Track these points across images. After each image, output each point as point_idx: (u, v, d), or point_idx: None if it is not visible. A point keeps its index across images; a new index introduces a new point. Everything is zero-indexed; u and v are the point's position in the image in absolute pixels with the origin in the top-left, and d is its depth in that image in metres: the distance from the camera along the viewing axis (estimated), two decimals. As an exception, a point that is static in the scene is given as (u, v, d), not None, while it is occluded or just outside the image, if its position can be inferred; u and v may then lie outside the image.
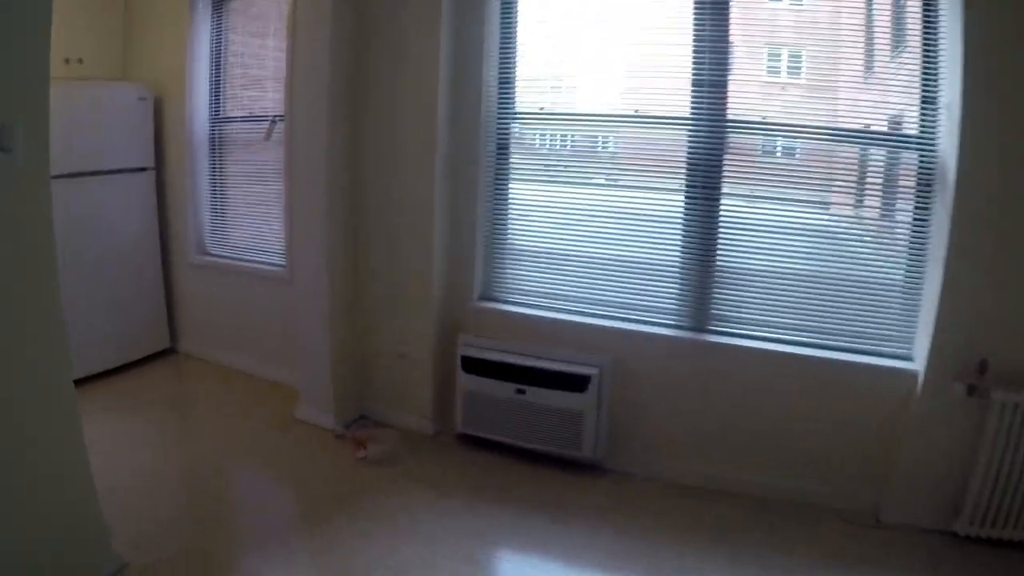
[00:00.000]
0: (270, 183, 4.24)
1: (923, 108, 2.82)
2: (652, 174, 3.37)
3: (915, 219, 2.91)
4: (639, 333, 3.25)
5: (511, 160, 3.50)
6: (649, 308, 3.31)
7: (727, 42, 3.07)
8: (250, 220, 4.44)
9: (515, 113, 3.48)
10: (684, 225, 3.21)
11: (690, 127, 3.14)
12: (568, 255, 3.45)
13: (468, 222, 3.52)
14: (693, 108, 3.13)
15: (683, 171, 3.18)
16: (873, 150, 3.07)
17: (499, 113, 3.47)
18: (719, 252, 3.17)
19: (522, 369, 3.27)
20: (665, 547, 2.76)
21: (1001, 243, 2.63)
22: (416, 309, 3.56)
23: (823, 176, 3.17)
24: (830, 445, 3.01)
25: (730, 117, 3.09)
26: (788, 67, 3.14)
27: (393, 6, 3.40)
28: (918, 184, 2.87)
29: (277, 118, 4.08)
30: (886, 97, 2.95)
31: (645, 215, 3.31)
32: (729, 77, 3.08)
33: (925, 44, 2.78)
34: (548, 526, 2.90)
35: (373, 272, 3.67)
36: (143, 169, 4.40)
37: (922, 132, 2.84)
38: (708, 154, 3.12)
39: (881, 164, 3.11)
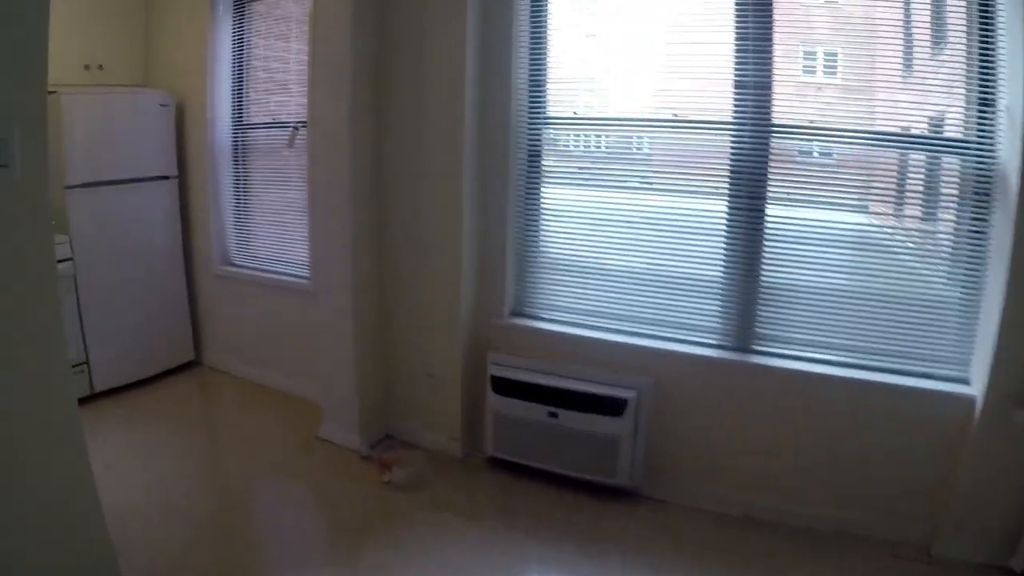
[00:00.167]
0: (295, 191, 4.12)
1: (980, 110, 2.59)
2: (692, 182, 3.16)
3: (971, 230, 2.68)
4: (678, 353, 3.07)
5: (543, 166, 3.33)
6: (689, 326, 3.13)
7: (771, 40, 2.85)
8: (275, 230, 4.32)
9: (546, 117, 3.30)
10: (727, 237, 3.01)
11: (733, 131, 2.94)
12: (604, 268, 3.27)
13: (498, 233, 3.36)
14: (736, 111, 2.92)
15: (726, 179, 2.98)
16: (925, 156, 2.85)
17: (530, 117, 3.29)
18: (764, 265, 2.97)
19: (555, 391, 3.11)
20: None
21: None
22: (444, 325, 3.42)
23: (873, 184, 2.96)
24: (880, 474, 2.82)
25: (775, 121, 2.88)
26: (831, 68, 2.93)
27: (416, 5, 3.25)
28: (974, 193, 2.64)
29: (300, 124, 3.95)
30: (936, 99, 2.72)
31: (685, 226, 3.11)
32: (774, 78, 2.87)
33: (982, 41, 2.55)
34: (581, 560, 2.75)
35: (399, 286, 3.53)
36: (166, 177, 4.32)
37: (979, 136, 2.61)
38: (752, 161, 2.91)
39: (935, 171, 2.86)
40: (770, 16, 2.83)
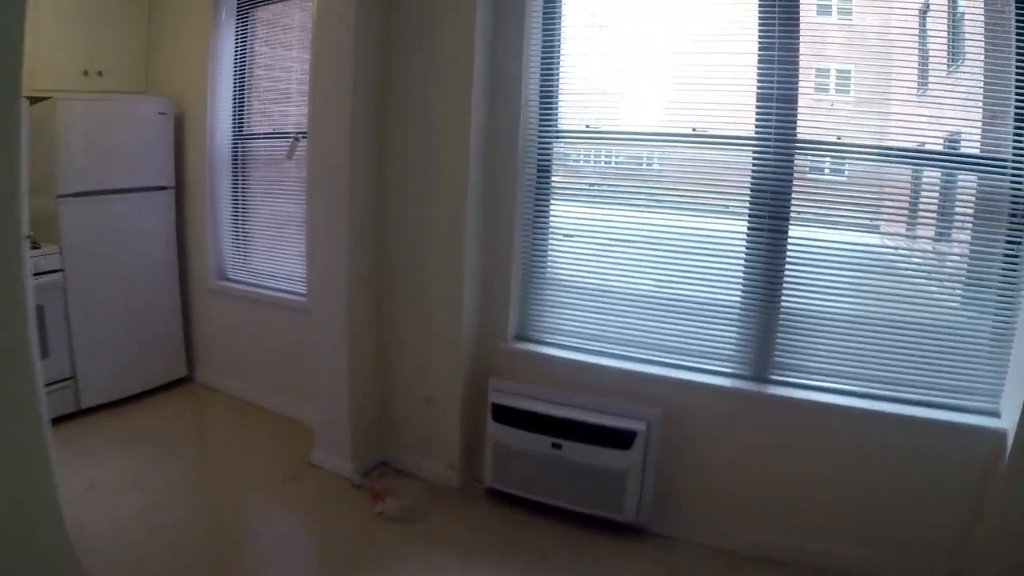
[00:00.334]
0: (294, 204, 3.97)
1: (1016, 128, 2.42)
2: (711, 201, 2.98)
3: (1005, 255, 2.50)
4: (691, 383, 2.88)
5: (552, 183, 3.16)
6: (703, 353, 2.93)
7: (797, 51, 2.69)
8: (273, 245, 4.17)
9: (557, 131, 3.13)
10: (746, 259, 2.83)
11: (755, 147, 2.77)
12: (614, 291, 3.08)
13: (504, 251, 3.18)
14: (759, 126, 2.75)
15: (746, 197, 2.81)
16: (960, 175, 2.65)
17: (541, 129, 3.13)
18: (786, 289, 2.78)
19: (559, 421, 2.91)
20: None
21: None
22: (444, 348, 3.23)
23: (905, 206, 2.79)
24: (902, 511, 2.63)
25: (800, 136, 2.71)
26: (856, 84, 2.76)
27: (422, 13, 3.10)
28: (1010, 216, 2.46)
29: (300, 135, 3.80)
30: (969, 114, 2.55)
31: (702, 247, 2.93)
32: (799, 92, 2.70)
33: (1019, 54, 2.37)
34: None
35: (398, 306, 3.35)
36: (163, 188, 4.18)
37: (1015, 156, 2.43)
38: (776, 179, 2.74)
39: (967, 192, 2.65)
40: (796, 26, 2.67)
